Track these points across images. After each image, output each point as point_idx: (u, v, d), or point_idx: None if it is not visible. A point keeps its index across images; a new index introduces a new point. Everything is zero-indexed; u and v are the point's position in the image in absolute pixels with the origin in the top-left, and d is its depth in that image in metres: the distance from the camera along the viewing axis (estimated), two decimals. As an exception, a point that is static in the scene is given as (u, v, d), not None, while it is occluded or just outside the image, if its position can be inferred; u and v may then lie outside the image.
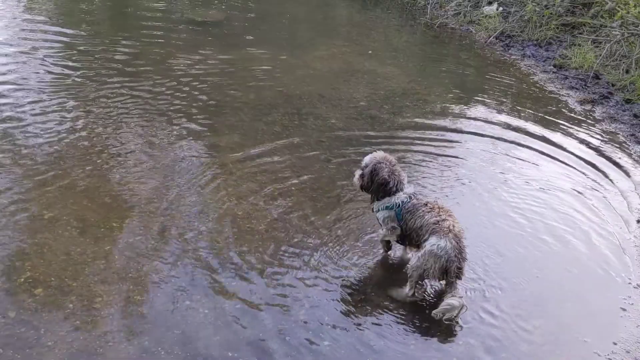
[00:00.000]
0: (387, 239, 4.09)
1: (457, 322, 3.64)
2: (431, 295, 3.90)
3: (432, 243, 3.64)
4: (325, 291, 3.83)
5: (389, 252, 4.21)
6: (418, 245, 3.83)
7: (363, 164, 4.02)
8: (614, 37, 8.69)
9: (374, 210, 4.04)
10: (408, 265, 3.86)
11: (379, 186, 3.90)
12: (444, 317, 3.58)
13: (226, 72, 7.47)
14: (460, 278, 3.70)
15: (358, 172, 4.04)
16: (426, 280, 3.84)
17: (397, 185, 3.90)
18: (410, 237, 3.89)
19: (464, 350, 3.50)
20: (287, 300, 3.73)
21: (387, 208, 3.91)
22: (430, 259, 3.62)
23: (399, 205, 3.87)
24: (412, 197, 3.91)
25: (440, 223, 3.69)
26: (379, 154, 4.01)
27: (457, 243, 3.64)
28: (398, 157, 5.78)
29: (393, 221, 3.89)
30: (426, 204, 3.86)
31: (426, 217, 3.76)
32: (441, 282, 3.79)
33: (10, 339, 3.23)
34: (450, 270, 3.63)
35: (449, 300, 3.59)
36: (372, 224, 4.26)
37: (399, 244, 4.16)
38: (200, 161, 5.26)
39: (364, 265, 4.14)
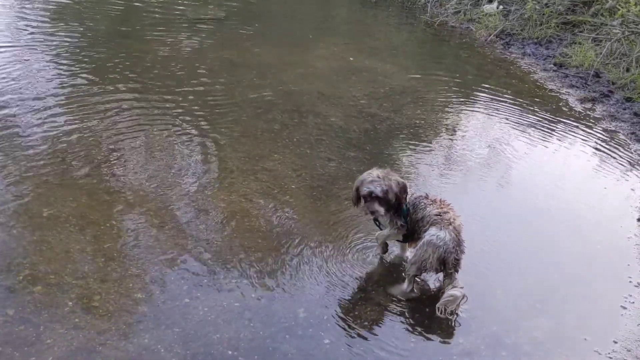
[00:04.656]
0: (391, 239, 4.07)
1: (458, 314, 3.64)
2: (431, 292, 3.89)
3: (432, 233, 3.66)
4: (325, 289, 3.82)
5: (384, 255, 4.19)
6: (419, 239, 3.82)
7: (379, 191, 3.71)
8: (615, 35, 8.69)
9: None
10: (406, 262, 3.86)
11: (403, 196, 3.83)
12: (447, 309, 3.58)
13: (225, 70, 7.46)
14: (457, 271, 3.70)
15: (375, 205, 3.74)
16: (424, 275, 3.84)
17: None
18: (414, 231, 3.89)
19: (463, 348, 3.49)
20: (287, 298, 3.72)
21: None
22: (429, 249, 3.63)
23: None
24: (411, 192, 3.91)
25: (441, 215, 3.71)
26: (374, 174, 3.82)
27: (456, 236, 3.65)
28: (397, 156, 5.82)
29: (400, 219, 3.88)
30: (427, 197, 3.89)
31: (428, 208, 3.78)
32: (438, 274, 3.79)
33: (9, 336, 3.21)
34: (447, 262, 3.63)
35: (450, 292, 3.59)
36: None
37: (399, 243, 4.14)
38: (200, 159, 5.25)
39: (364, 263, 4.13)
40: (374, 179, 3.78)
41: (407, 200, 3.87)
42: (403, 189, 3.83)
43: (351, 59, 8.53)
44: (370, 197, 3.77)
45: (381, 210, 3.79)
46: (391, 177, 3.84)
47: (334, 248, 4.22)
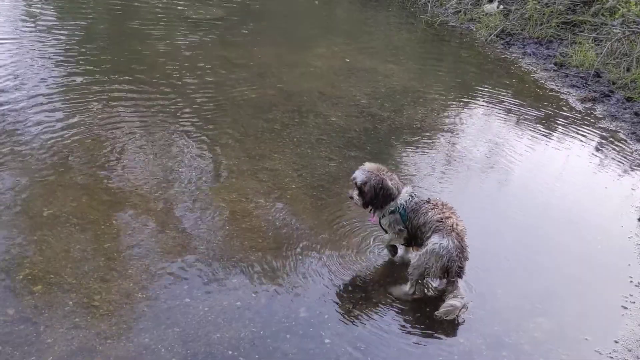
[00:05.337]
0: (393, 242, 4.08)
1: (458, 321, 3.63)
2: (432, 293, 3.88)
3: (435, 242, 3.62)
4: (326, 289, 3.82)
5: (395, 257, 4.17)
6: (422, 244, 3.80)
7: (358, 180, 3.86)
8: (615, 35, 8.69)
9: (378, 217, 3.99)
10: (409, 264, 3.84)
11: (383, 197, 3.84)
12: (447, 318, 3.58)
13: (225, 70, 7.45)
14: (461, 277, 3.68)
15: (354, 192, 3.91)
16: (426, 279, 3.83)
17: (396, 188, 3.89)
18: (416, 236, 3.87)
19: (464, 348, 3.49)
20: (287, 297, 3.72)
21: (391, 212, 3.89)
22: (432, 258, 3.61)
23: (403, 206, 3.85)
24: (413, 196, 3.90)
25: (443, 221, 3.67)
26: (367, 166, 3.92)
27: (460, 242, 3.62)
28: (398, 156, 5.82)
29: (399, 224, 3.88)
30: (428, 201, 3.85)
31: (429, 214, 3.75)
32: (442, 280, 3.78)
33: (9, 336, 3.21)
34: (451, 270, 3.61)
35: (450, 301, 3.58)
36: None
37: (403, 245, 4.13)
38: (200, 159, 5.24)
39: (365, 263, 4.12)
40: (363, 168, 3.94)
41: (408, 205, 3.84)
42: (386, 190, 3.82)
43: (350, 59, 8.53)
44: (353, 182, 3.93)
45: (357, 199, 3.92)
46: (377, 173, 3.86)
47: (334, 248, 4.22)
